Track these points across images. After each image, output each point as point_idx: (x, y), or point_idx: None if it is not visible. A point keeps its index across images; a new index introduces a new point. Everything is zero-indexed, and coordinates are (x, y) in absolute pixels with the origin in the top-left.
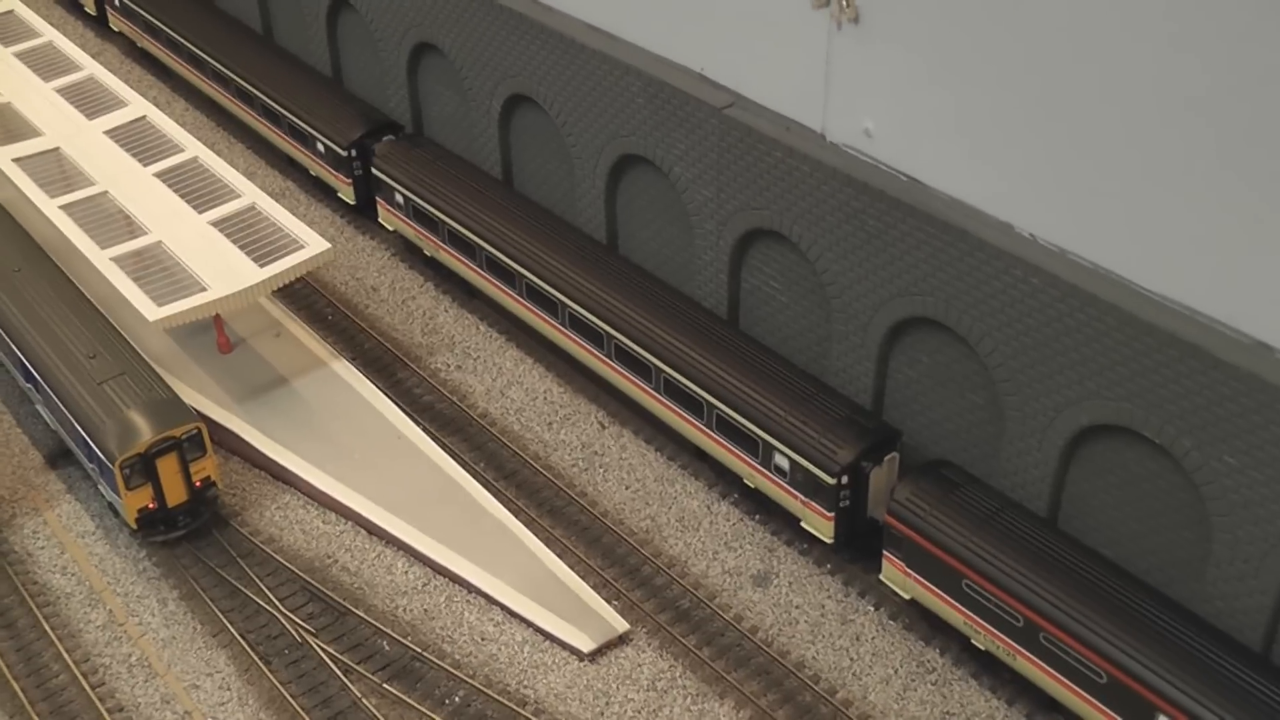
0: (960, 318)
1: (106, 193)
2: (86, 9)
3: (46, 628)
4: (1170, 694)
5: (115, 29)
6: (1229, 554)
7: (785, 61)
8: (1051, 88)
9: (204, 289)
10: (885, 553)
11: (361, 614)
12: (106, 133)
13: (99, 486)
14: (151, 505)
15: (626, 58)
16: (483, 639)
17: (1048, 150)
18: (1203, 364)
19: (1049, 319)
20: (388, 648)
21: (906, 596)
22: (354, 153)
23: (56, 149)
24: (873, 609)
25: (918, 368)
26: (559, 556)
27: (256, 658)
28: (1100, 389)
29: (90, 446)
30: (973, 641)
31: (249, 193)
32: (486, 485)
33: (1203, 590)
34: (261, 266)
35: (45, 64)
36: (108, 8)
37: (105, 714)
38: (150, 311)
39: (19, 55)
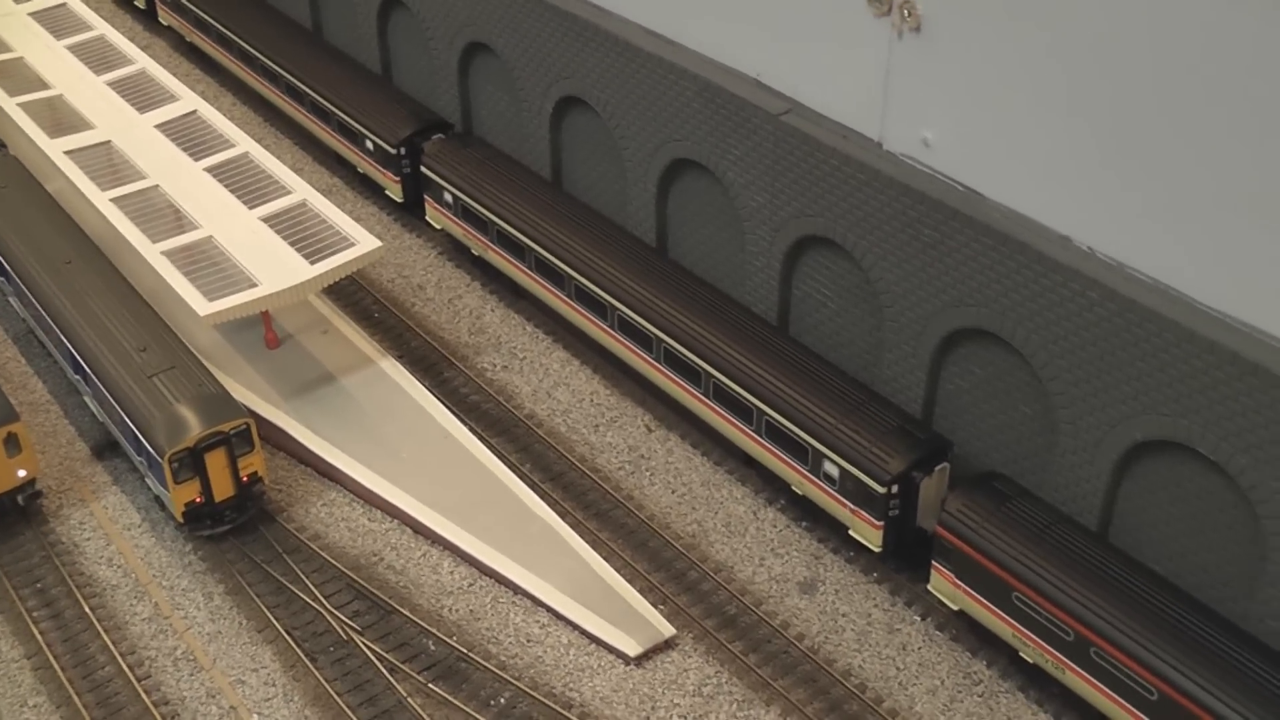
0: (1015, 330)
1: (157, 186)
2: (136, 3)
3: (93, 619)
4: (1222, 712)
5: (164, 23)
6: None
7: (844, 69)
8: (1114, 101)
9: (254, 285)
10: (934, 563)
11: (407, 613)
12: (157, 127)
13: (146, 479)
14: (199, 499)
15: (682, 62)
16: (529, 641)
17: (1108, 164)
18: (1263, 382)
19: (1106, 333)
20: (433, 647)
21: (955, 607)
22: (403, 151)
23: (108, 142)
24: (920, 619)
25: (970, 378)
26: (605, 559)
27: (302, 654)
28: (1156, 404)
29: (139, 439)
30: (1021, 654)
31: (300, 189)
32: (533, 486)
33: (1255, 609)
34: (312, 263)
35: (97, 57)
36: (157, 2)
37: (151, 707)
38: (201, 306)
39: (71, 48)
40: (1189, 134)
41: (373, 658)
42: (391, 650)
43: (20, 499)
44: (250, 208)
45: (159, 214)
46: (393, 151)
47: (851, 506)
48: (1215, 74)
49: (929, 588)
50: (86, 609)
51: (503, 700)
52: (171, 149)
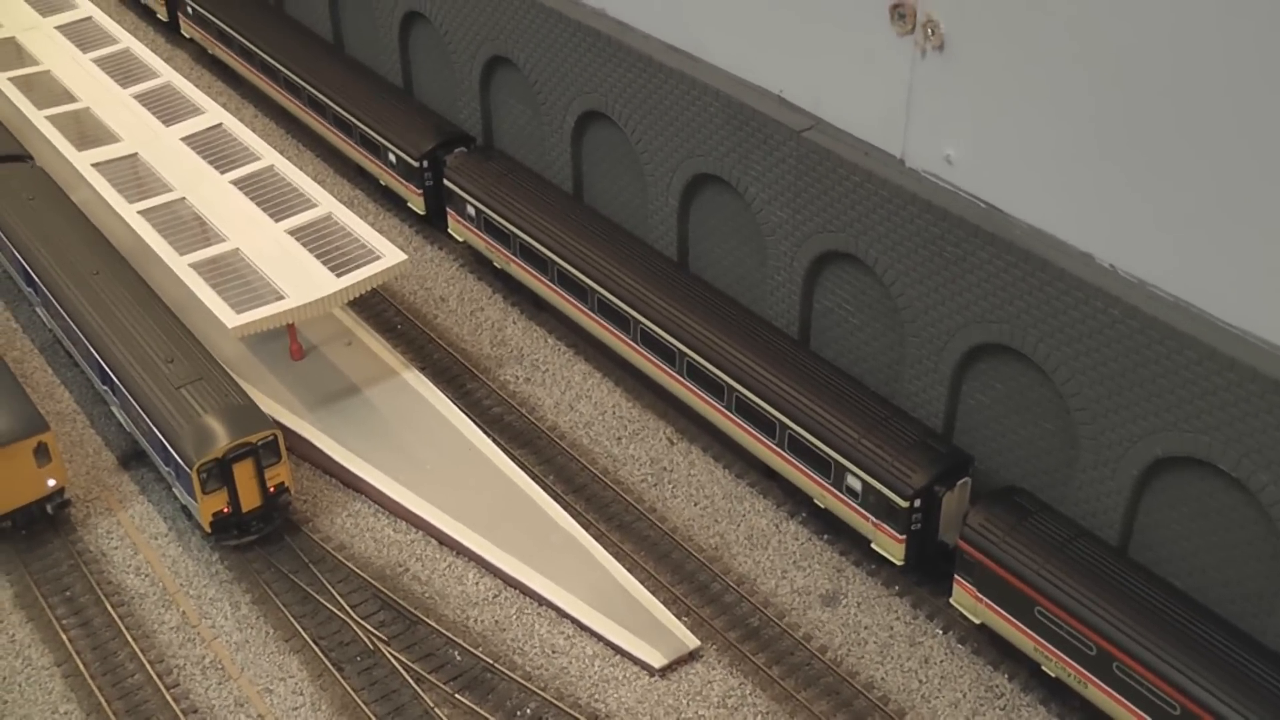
0: (1037, 346)
1: (184, 199)
2: (158, 15)
3: (121, 627)
4: None
5: (186, 35)
6: None
7: (867, 87)
8: (1137, 119)
9: (281, 297)
10: (956, 577)
11: (433, 623)
12: (183, 139)
13: (173, 489)
14: (226, 510)
15: (705, 78)
16: (554, 652)
17: (1131, 182)
18: None
19: (1127, 350)
20: (459, 658)
21: (976, 621)
22: (426, 164)
23: (134, 154)
24: (941, 632)
25: (991, 394)
26: (628, 571)
27: (329, 664)
28: (1177, 421)
29: (167, 450)
30: (1043, 668)
31: (325, 202)
32: (556, 498)
33: (1276, 624)
34: (338, 276)
35: (122, 70)
36: (179, 14)
37: (180, 715)
38: (229, 318)
39: (97, 61)
40: (1210, 151)
41: (399, 667)
42: (418, 660)
43: (49, 507)
44: (276, 220)
45: (185, 226)
46: (415, 164)
47: (874, 520)
48: (1239, 92)
49: (951, 601)
50: (115, 617)
51: (529, 710)
52: (197, 161)
